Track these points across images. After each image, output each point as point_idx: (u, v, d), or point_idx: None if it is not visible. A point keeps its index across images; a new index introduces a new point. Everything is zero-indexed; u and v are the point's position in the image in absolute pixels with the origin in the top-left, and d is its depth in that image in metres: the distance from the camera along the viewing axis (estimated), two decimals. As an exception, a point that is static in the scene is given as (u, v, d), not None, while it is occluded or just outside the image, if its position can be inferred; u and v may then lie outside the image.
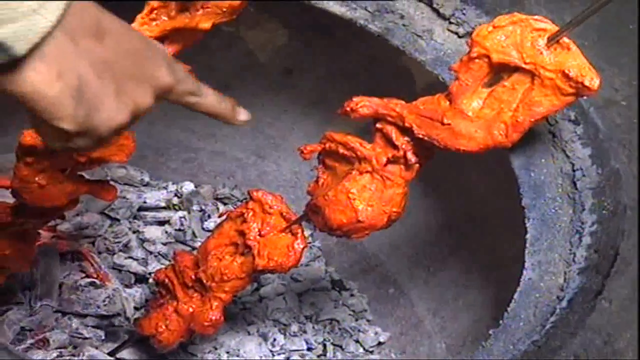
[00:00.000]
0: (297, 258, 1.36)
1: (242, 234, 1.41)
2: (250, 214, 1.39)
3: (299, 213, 1.38)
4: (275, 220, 1.37)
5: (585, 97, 1.17)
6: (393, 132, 1.21)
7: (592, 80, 1.09)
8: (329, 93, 1.98)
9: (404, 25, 1.42)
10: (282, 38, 1.93)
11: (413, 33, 1.42)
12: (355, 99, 1.22)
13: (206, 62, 1.89)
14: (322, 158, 1.31)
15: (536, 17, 1.10)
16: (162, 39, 1.15)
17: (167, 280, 1.56)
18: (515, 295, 1.34)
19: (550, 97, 1.12)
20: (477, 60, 1.12)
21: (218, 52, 1.93)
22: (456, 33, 1.43)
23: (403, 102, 1.21)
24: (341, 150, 1.26)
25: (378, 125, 1.23)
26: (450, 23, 1.43)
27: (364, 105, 1.21)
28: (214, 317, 1.45)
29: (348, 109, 1.21)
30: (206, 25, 1.16)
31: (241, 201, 2.17)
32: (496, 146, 1.18)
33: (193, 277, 1.50)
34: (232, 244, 1.44)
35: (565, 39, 1.10)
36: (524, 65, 1.11)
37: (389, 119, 1.21)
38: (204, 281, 1.47)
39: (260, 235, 1.37)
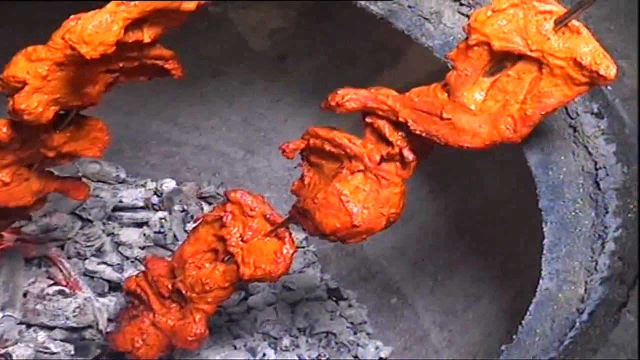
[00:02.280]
0: (286, 265, 1.36)
1: (222, 239, 1.42)
2: (230, 217, 1.38)
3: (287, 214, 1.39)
4: (258, 223, 1.37)
5: (600, 87, 1.16)
6: (386, 127, 1.21)
7: (608, 68, 1.08)
8: (328, 81, 1.98)
9: (409, 6, 1.42)
10: (276, 20, 1.94)
11: (420, 16, 1.42)
12: (340, 92, 1.21)
13: (191, 47, 1.91)
14: (306, 155, 1.31)
15: (542, 6, 1.10)
16: (141, 21, 1.15)
17: (139, 290, 1.56)
18: (531, 307, 1.35)
19: (561, 87, 1.11)
20: (476, 48, 1.11)
21: (204, 36, 1.93)
22: (467, 16, 1.43)
23: (394, 93, 1.21)
24: (327, 147, 1.26)
25: (368, 120, 1.23)
26: (462, 5, 1.43)
27: (350, 98, 1.19)
28: (198, 331, 1.46)
29: (333, 103, 1.20)
30: (190, 5, 1.16)
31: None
32: (504, 142, 1.17)
33: (170, 287, 1.51)
34: (210, 251, 1.45)
35: (575, 22, 1.09)
36: (529, 53, 1.10)
37: (380, 112, 1.21)
38: (183, 291, 1.48)
39: (242, 240, 1.38)
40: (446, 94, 1.17)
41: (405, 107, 1.18)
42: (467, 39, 1.13)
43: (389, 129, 1.21)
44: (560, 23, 1.09)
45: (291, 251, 1.36)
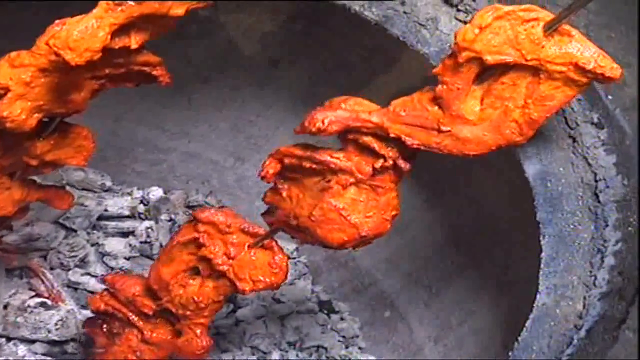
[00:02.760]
0: (284, 272, 1.38)
1: (204, 259, 1.43)
2: (206, 237, 1.40)
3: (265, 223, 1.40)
4: (238, 237, 1.38)
5: (600, 96, 1.20)
6: (374, 144, 1.22)
7: (613, 69, 1.11)
8: (320, 88, 1.98)
9: (405, 12, 1.43)
10: (267, 25, 1.94)
11: (415, 22, 1.43)
12: (317, 115, 1.19)
13: (180, 51, 1.91)
14: (280, 171, 1.33)
15: (523, 7, 1.11)
16: (128, 26, 1.15)
17: (111, 309, 1.57)
18: (528, 323, 1.35)
19: (562, 89, 1.14)
20: (466, 64, 1.14)
21: (194, 41, 1.94)
22: (464, 22, 1.43)
23: (374, 107, 1.21)
24: (307, 164, 1.26)
25: (350, 137, 1.24)
26: (459, 11, 1.44)
27: (331, 122, 1.19)
28: (203, 344, 1.50)
29: (313, 128, 1.20)
30: (179, 11, 1.17)
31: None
32: (509, 145, 1.20)
33: (154, 307, 1.52)
34: (190, 269, 1.46)
35: (564, 26, 1.11)
36: (525, 62, 1.12)
37: (365, 130, 1.22)
38: (174, 310, 1.49)
39: (230, 258, 1.39)
40: (437, 107, 1.18)
41: (394, 123, 1.19)
42: (454, 55, 1.14)
43: (378, 144, 1.22)
44: (550, 29, 1.10)
45: (284, 258, 1.38)
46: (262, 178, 1.32)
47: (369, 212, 1.26)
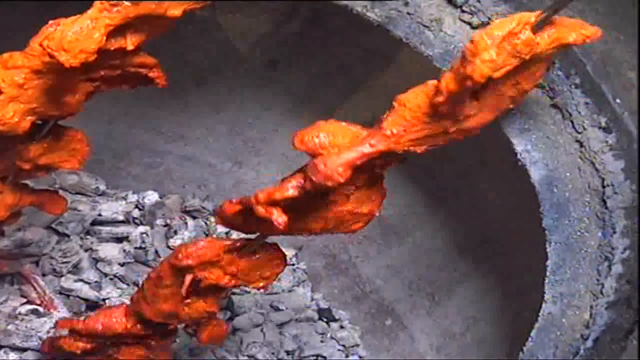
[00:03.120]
0: (283, 260, 1.42)
1: (210, 286, 1.45)
2: (203, 276, 1.41)
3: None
4: (226, 259, 1.38)
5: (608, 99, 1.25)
6: (376, 161, 1.22)
7: (596, 32, 1.15)
8: (320, 90, 1.99)
9: (408, 13, 1.43)
10: (266, 25, 1.94)
11: (419, 23, 1.43)
12: (328, 168, 1.11)
13: (177, 52, 1.91)
14: None
15: (513, 24, 1.13)
16: (124, 27, 1.15)
17: (89, 347, 1.59)
18: (533, 333, 1.35)
19: (548, 60, 1.21)
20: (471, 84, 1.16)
21: (191, 41, 1.94)
22: (469, 23, 1.44)
23: (376, 135, 1.19)
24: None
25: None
26: (463, 12, 1.44)
27: (345, 170, 1.15)
28: (224, 328, 1.60)
29: (331, 183, 1.12)
30: (176, 12, 1.16)
31: (213, 214, 2.18)
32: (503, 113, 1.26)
33: (164, 329, 1.55)
34: (189, 293, 1.46)
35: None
36: (524, 59, 1.15)
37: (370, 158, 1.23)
38: (187, 326, 1.56)
39: (232, 276, 1.40)
40: (436, 117, 1.18)
41: (399, 144, 1.18)
42: (465, 87, 1.13)
43: (379, 161, 1.23)
44: (539, 27, 1.12)
45: (278, 249, 1.41)
46: (220, 220, 1.33)
47: (373, 197, 1.29)
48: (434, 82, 1.14)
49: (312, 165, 1.12)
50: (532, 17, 1.13)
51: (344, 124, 1.19)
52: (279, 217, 1.17)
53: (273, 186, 1.18)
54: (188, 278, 1.38)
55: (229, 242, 1.38)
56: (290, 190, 1.16)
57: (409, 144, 1.18)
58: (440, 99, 1.11)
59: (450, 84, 1.10)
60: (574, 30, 1.15)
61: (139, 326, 1.53)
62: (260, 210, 1.17)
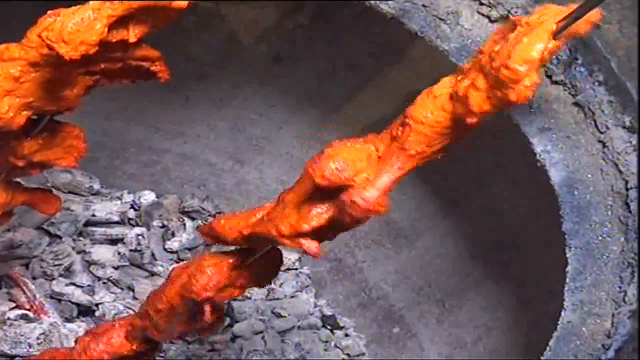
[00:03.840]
0: (281, 260, 1.42)
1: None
2: (209, 309, 1.41)
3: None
4: (234, 276, 1.38)
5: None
6: None
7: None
8: (327, 86, 1.99)
9: (423, 5, 1.43)
10: (272, 18, 1.94)
11: (435, 16, 1.43)
12: (371, 204, 1.13)
13: (177, 46, 1.91)
14: None
15: (544, 43, 1.13)
16: (127, 18, 1.15)
17: None
18: (551, 342, 1.36)
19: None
20: None
21: (194, 34, 1.94)
22: (488, 17, 1.44)
23: (395, 162, 1.18)
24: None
25: None
26: (481, 4, 1.44)
27: (384, 200, 1.15)
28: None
29: (382, 212, 1.16)
30: (182, 3, 1.16)
31: (213, 215, 2.18)
32: None
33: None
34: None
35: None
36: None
37: None
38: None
39: (240, 288, 1.40)
40: (451, 122, 1.18)
41: (427, 158, 1.18)
42: (501, 109, 1.13)
43: None
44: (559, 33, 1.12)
45: (279, 257, 1.41)
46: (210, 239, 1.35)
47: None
48: (446, 92, 1.13)
49: (350, 203, 1.13)
50: (553, 24, 1.13)
51: (349, 144, 1.20)
52: (311, 246, 1.20)
53: (295, 215, 1.19)
54: (208, 309, 1.38)
55: (231, 259, 1.39)
56: (315, 220, 1.18)
57: (433, 156, 1.18)
58: (474, 120, 1.11)
59: (485, 105, 1.09)
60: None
61: (143, 345, 1.53)
62: (287, 242, 1.20)
